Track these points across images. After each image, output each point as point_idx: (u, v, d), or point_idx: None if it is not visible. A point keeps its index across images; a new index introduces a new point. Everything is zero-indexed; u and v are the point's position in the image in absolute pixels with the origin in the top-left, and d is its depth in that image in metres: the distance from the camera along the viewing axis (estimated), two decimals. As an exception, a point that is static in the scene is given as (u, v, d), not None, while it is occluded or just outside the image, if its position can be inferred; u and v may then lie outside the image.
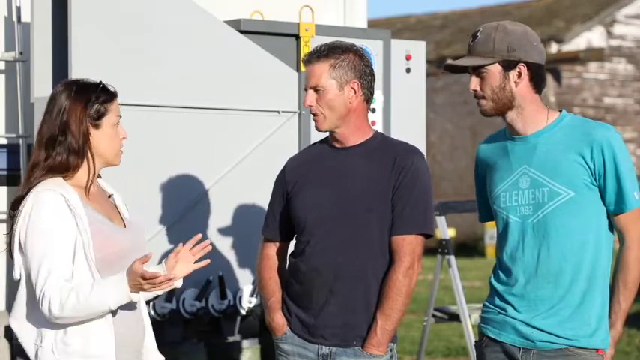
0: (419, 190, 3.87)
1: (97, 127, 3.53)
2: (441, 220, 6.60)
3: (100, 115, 3.53)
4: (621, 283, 3.66)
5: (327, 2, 6.37)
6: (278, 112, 5.54)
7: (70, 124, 3.49)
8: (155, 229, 5.20)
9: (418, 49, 6.17)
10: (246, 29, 5.58)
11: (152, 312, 5.15)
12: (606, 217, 3.68)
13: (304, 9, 5.81)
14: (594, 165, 3.61)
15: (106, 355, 3.45)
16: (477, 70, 3.70)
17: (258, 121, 5.50)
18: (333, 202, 3.88)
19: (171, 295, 5.17)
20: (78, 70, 4.95)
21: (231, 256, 5.43)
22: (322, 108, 3.87)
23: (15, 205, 3.50)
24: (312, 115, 3.93)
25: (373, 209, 3.85)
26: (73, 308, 3.36)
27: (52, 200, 3.41)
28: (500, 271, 3.77)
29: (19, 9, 5.61)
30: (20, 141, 5.65)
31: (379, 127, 5.88)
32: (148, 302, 5.05)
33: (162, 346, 5.20)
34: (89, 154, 3.53)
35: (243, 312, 5.39)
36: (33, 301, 3.45)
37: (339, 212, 3.87)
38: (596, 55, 20.74)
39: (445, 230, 6.62)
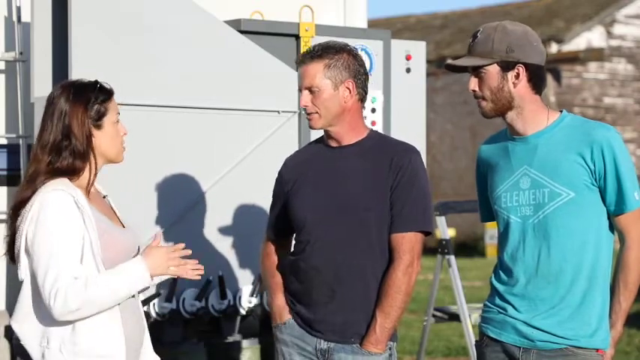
0: (417, 189, 3.88)
1: (98, 127, 3.54)
2: (441, 220, 6.60)
3: (100, 116, 3.54)
4: (622, 283, 3.66)
5: (327, 2, 6.37)
6: (278, 112, 5.54)
7: (72, 128, 3.48)
8: (155, 229, 5.20)
9: (418, 49, 6.17)
10: (246, 29, 5.58)
11: (152, 312, 5.15)
12: (607, 218, 3.68)
13: (304, 9, 5.81)
14: (594, 165, 3.61)
15: (116, 353, 3.45)
16: (476, 71, 3.70)
17: (258, 121, 5.50)
18: (332, 202, 3.89)
19: (171, 295, 5.17)
20: (78, 70, 4.95)
21: (231, 256, 5.43)
22: (317, 108, 3.89)
23: (18, 207, 3.48)
24: (306, 115, 3.95)
25: (371, 208, 3.86)
26: (95, 298, 3.35)
27: (60, 200, 3.40)
28: (500, 271, 3.77)
29: (19, 9, 5.61)
30: (20, 141, 5.65)
31: (379, 127, 5.88)
32: (147, 302, 5.06)
33: (162, 346, 5.22)
34: (92, 155, 3.53)
35: (243, 312, 5.39)
36: (38, 302, 3.43)
37: (338, 211, 3.87)
38: (596, 55, 20.74)
39: (445, 230, 6.62)
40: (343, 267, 3.87)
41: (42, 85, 5.29)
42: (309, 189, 3.94)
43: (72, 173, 3.49)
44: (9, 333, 5.36)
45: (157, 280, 3.62)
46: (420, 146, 6.05)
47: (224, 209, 5.41)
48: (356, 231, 3.86)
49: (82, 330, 3.41)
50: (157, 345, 5.21)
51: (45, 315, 3.41)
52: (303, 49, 5.58)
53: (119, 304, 3.47)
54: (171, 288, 5.15)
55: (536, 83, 3.70)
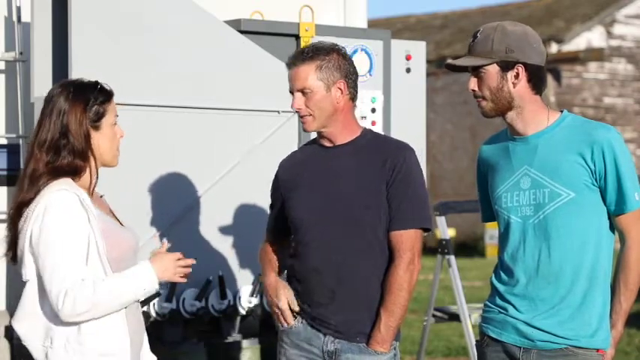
0: (413, 186, 3.88)
1: (96, 128, 3.53)
2: (441, 220, 6.60)
3: (99, 117, 3.53)
4: (622, 283, 3.66)
5: (327, 2, 6.37)
6: (278, 112, 5.54)
7: (70, 127, 3.47)
8: (155, 229, 5.20)
9: (418, 49, 6.17)
10: (246, 29, 5.58)
11: (152, 312, 5.15)
12: (607, 218, 3.68)
13: (304, 9, 5.81)
14: (595, 165, 3.61)
15: (121, 353, 3.45)
16: (476, 70, 3.70)
17: (258, 121, 5.50)
18: (327, 202, 3.89)
19: (171, 295, 5.17)
20: (78, 70, 4.94)
21: (231, 256, 5.43)
22: (311, 109, 3.89)
23: (20, 208, 3.46)
24: (299, 117, 3.95)
25: (367, 207, 3.86)
26: (103, 301, 3.35)
27: (66, 199, 3.39)
28: (501, 271, 3.77)
29: (19, 9, 5.61)
30: (20, 141, 5.65)
31: (379, 127, 5.88)
32: (147, 302, 5.06)
33: (162, 346, 5.23)
34: (91, 156, 3.52)
35: (243, 312, 5.39)
36: (42, 302, 3.42)
37: (334, 211, 3.88)
38: (596, 55, 20.74)
39: (445, 230, 6.62)
40: (341, 267, 3.87)
41: (42, 85, 5.29)
42: (304, 190, 3.95)
43: (73, 173, 3.49)
44: (9, 333, 5.36)
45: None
46: (420, 146, 6.05)
47: (224, 209, 5.41)
48: (352, 230, 3.87)
49: (88, 329, 3.41)
50: (157, 345, 5.22)
51: (48, 315, 3.41)
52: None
53: (124, 310, 3.47)
54: (172, 288, 5.15)
55: (536, 83, 3.70)
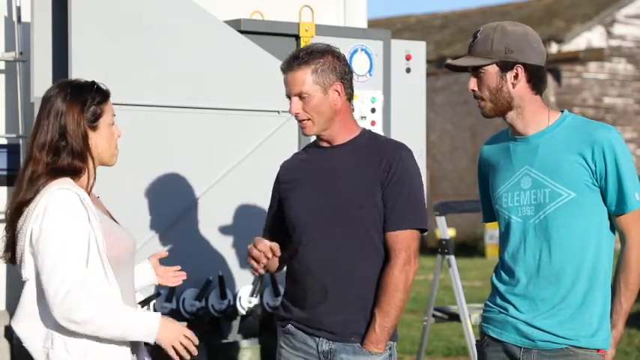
0: (409, 186, 3.87)
1: (94, 128, 3.52)
2: (441, 220, 6.60)
3: (96, 117, 3.52)
4: (623, 283, 3.66)
5: (327, 2, 6.37)
6: (278, 112, 5.54)
7: (68, 128, 3.46)
8: (154, 229, 5.20)
9: (418, 49, 6.17)
10: (246, 29, 5.58)
11: (152, 312, 5.14)
12: (608, 218, 3.68)
13: (304, 9, 5.81)
14: (595, 166, 3.61)
15: (122, 352, 3.44)
16: (476, 71, 3.70)
17: (258, 121, 5.50)
18: (324, 201, 3.89)
19: (171, 295, 5.17)
20: (78, 70, 4.95)
21: (231, 256, 5.43)
22: (309, 114, 3.89)
23: (20, 207, 3.45)
24: (298, 122, 3.95)
25: (363, 206, 3.86)
26: (99, 320, 3.33)
27: (67, 198, 3.39)
28: (502, 271, 3.77)
29: (19, 9, 5.61)
30: (20, 141, 5.65)
31: (379, 127, 5.88)
32: (147, 302, 5.06)
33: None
34: (89, 156, 3.52)
35: (243, 312, 5.39)
36: (42, 302, 3.41)
37: (331, 211, 3.88)
38: (596, 55, 20.74)
39: (445, 230, 6.62)
40: (336, 266, 3.86)
41: (42, 85, 5.29)
42: (302, 190, 3.95)
43: (73, 173, 3.48)
44: (9, 333, 5.36)
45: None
46: (420, 146, 6.05)
47: (224, 209, 5.41)
48: (349, 230, 3.86)
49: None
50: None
51: (48, 315, 3.40)
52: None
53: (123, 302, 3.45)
54: (171, 288, 5.15)
55: (536, 84, 3.70)
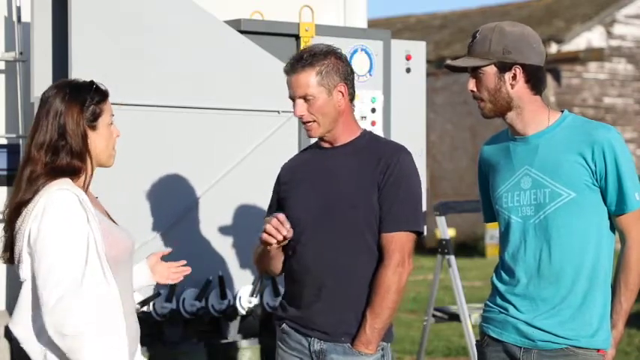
0: (405, 188, 3.87)
1: (93, 128, 3.51)
2: (441, 220, 6.60)
3: (95, 117, 3.51)
4: (623, 283, 3.66)
5: (327, 2, 6.37)
6: (278, 112, 5.54)
7: (68, 128, 3.46)
8: (155, 230, 5.20)
9: (418, 49, 6.17)
10: (246, 29, 5.57)
11: (152, 312, 5.15)
12: (608, 218, 3.68)
13: (304, 9, 5.81)
14: (595, 166, 3.61)
15: (120, 355, 3.40)
16: (474, 72, 3.70)
17: (258, 121, 5.50)
18: (322, 201, 3.89)
19: (171, 295, 5.17)
20: (78, 70, 4.95)
21: (231, 256, 5.43)
22: (314, 115, 3.89)
23: (18, 208, 3.43)
24: (303, 124, 3.95)
25: (359, 207, 3.86)
26: (83, 339, 3.30)
27: (66, 199, 3.38)
28: (502, 271, 3.77)
29: (19, 9, 5.61)
30: (20, 141, 5.65)
31: (379, 127, 5.88)
32: (147, 302, 5.06)
33: (162, 346, 5.23)
34: (88, 156, 3.51)
35: (243, 312, 5.39)
36: (39, 303, 3.38)
37: (328, 211, 3.88)
38: (596, 55, 20.74)
39: (445, 230, 6.62)
40: (331, 266, 3.87)
41: (42, 85, 5.28)
42: (301, 190, 3.96)
43: (72, 173, 3.47)
44: (9, 333, 5.36)
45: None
46: (420, 146, 6.05)
47: (224, 209, 5.41)
48: (345, 230, 3.87)
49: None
50: (157, 345, 5.23)
51: None
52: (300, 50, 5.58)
53: (123, 309, 3.44)
54: (172, 288, 5.15)
55: (535, 84, 3.70)
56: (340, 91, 3.90)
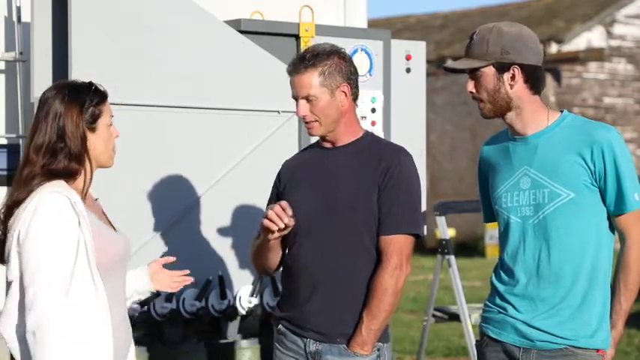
0: (405, 190, 3.87)
1: (92, 129, 3.50)
2: (441, 220, 6.61)
3: (95, 118, 3.50)
4: (622, 283, 3.66)
5: (327, 2, 6.36)
6: (278, 112, 5.54)
7: (67, 130, 3.44)
8: (154, 230, 5.20)
9: (418, 49, 6.17)
10: (246, 29, 5.57)
11: (152, 312, 5.15)
12: (607, 218, 3.68)
13: (304, 9, 5.81)
14: (594, 166, 3.61)
15: (105, 353, 3.39)
16: (473, 73, 3.70)
17: (258, 121, 5.50)
18: (322, 201, 3.89)
19: (171, 295, 5.17)
20: (78, 70, 4.94)
21: (231, 256, 5.43)
22: (317, 116, 3.89)
23: (11, 208, 3.42)
24: (305, 123, 3.95)
25: (358, 208, 3.85)
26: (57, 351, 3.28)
27: (57, 202, 3.36)
28: (501, 271, 3.77)
29: (19, 9, 5.60)
30: (20, 141, 5.64)
31: (379, 127, 5.88)
32: (147, 302, 5.06)
33: (162, 346, 5.23)
34: (86, 158, 3.49)
35: (243, 312, 5.39)
36: (24, 303, 3.36)
37: (328, 211, 3.88)
38: (596, 55, 20.74)
39: (445, 230, 6.63)
40: (329, 266, 3.87)
41: (42, 85, 5.28)
42: (301, 189, 3.96)
43: (68, 176, 3.45)
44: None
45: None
46: (420, 146, 6.05)
47: (224, 209, 5.41)
48: (344, 231, 3.86)
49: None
50: (157, 345, 5.22)
51: None
52: (303, 49, 5.58)
53: (110, 316, 3.41)
54: (171, 288, 5.15)
55: (534, 84, 3.70)
56: (343, 92, 3.90)
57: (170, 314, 5.22)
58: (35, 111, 3.54)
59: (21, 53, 5.61)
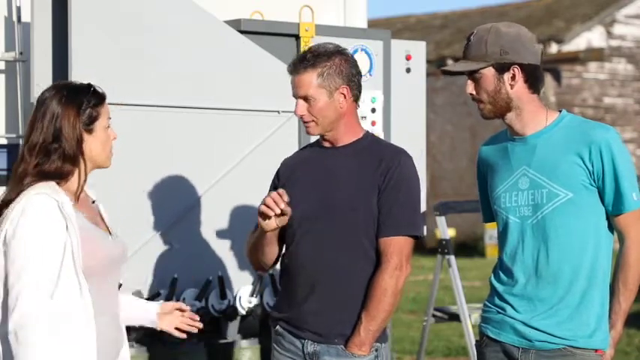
0: (405, 191, 3.86)
1: (89, 131, 3.48)
2: (441, 220, 6.60)
3: (92, 120, 3.49)
4: (621, 283, 3.66)
5: (327, 2, 6.36)
6: (278, 112, 5.54)
7: (63, 131, 3.43)
8: (155, 229, 5.20)
9: (418, 49, 6.17)
10: (246, 29, 5.57)
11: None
12: (606, 218, 3.68)
13: (304, 9, 5.81)
14: (593, 166, 3.61)
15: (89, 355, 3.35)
16: (472, 74, 3.70)
17: (258, 121, 5.50)
18: (320, 201, 3.89)
19: (171, 295, 5.17)
20: (78, 70, 4.95)
21: (231, 256, 5.43)
22: (314, 116, 3.89)
23: (1, 208, 3.40)
24: (302, 122, 3.95)
25: (358, 209, 3.85)
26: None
27: (44, 204, 3.34)
28: (500, 271, 3.77)
29: (19, 9, 5.60)
30: (20, 141, 5.64)
31: (379, 127, 5.88)
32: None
33: (162, 346, 5.23)
34: (81, 160, 3.48)
35: (243, 312, 5.39)
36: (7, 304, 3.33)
37: (326, 211, 3.88)
38: (596, 55, 20.74)
39: (445, 230, 6.63)
40: (327, 266, 3.87)
41: (42, 85, 5.27)
42: (300, 188, 3.95)
43: (59, 177, 3.44)
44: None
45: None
46: (420, 146, 6.05)
47: (224, 209, 5.41)
48: (343, 231, 3.86)
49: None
50: (157, 345, 5.22)
51: None
52: (303, 49, 5.58)
53: (94, 311, 3.38)
54: (171, 288, 5.15)
55: (533, 83, 3.71)
56: (342, 93, 3.89)
57: (170, 314, 5.21)
58: (33, 111, 3.54)
59: (21, 53, 5.61)
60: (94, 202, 3.66)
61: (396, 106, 5.98)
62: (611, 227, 3.70)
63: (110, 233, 3.61)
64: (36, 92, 5.33)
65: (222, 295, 5.33)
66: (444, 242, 6.62)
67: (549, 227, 3.64)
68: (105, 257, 3.49)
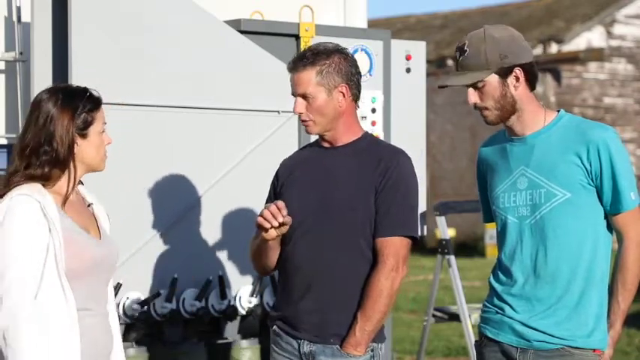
0: (403, 192, 3.86)
1: (83, 136, 3.47)
2: (441, 220, 6.61)
3: (87, 125, 3.47)
4: (620, 283, 3.67)
5: (327, 2, 6.36)
6: (278, 112, 5.54)
7: (56, 135, 3.42)
8: (155, 229, 5.20)
9: (418, 49, 6.17)
10: (246, 29, 5.57)
11: (152, 312, 5.15)
12: (604, 218, 3.68)
13: (304, 9, 5.81)
14: (591, 165, 3.62)
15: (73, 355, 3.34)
16: (474, 84, 3.70)
17: (258, 121, 5.50)
18: (320, 201, 3.89)
19: (171, 295, 5.17)
20: (78, 70, 4.95)
21: (231, 256, 5.43)
22: (312, 115, 3.89)
23: None
24: (301, 121, 3.95)
25: (356, 209, 3.85)
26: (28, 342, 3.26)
27: (25, 205, 3.33)
28: (499, 272, 3.78)
29: (19, 9, 5.60)
30: (20, 141, 5.64)
31: (379, 127, 5.88)
32: (147, 302, 5.06)
33: (162, 346, 5.23)
34: (71, 164, 3.46)
35: (243, 312, 5.39)
36: None
37: (325, 210, 3.88)
38: (596, 55, 20.74)
39: (445, 230, 6.63)
40: (324, 265, 3.87)
41: (42, 85, 5.26)
42: (299, 188, 3.95)
43: (47, 180, 3.42)
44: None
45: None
46: (420, 146, 6.05)
47: (224, 209, 5.41)
48: (341, 231, 3.86)
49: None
50: (157, 345, 5.23)
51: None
52: (303, 49, 5.58)
53: (82, 314, 3.37)
54: (172, 288, 5.15)
55: (532, 81, 3.76)
56: (341, 92, 3.89)
57: (170, 314, 5.22)
58: (28, 112, 3.53)
59: (21, 53, 5.61)
60: (89, 205, 3.64)
61: (396, 106, 5.98)
62: (610, 227, 3.70)
63: (100, 236, 3.58)
64: (36, 92, 5.32)
65: (222, 295, 5.33)
66: (444, 242, 6.62)
67: (547, 227, 3.65)
68: (89, 259, 3.46)
